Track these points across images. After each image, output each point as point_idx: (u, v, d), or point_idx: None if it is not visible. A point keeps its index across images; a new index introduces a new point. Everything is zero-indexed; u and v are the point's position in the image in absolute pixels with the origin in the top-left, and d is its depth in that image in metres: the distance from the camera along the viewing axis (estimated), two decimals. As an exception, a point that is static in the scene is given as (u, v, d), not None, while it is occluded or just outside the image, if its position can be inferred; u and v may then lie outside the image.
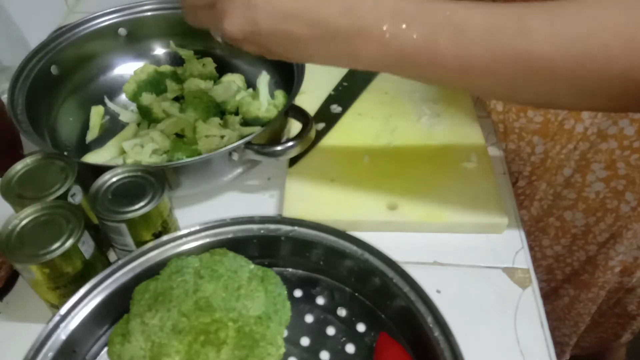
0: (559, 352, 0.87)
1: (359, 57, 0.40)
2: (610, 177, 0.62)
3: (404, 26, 0.37)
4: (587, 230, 0.69)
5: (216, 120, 0.60)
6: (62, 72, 0.65)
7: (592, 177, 0.63)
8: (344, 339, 0.45)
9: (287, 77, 0.63)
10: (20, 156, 0.49)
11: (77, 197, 0.48)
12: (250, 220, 0.46)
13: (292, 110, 0.57)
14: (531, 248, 0.66)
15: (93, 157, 0.61)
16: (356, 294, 0.46)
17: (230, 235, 0.46)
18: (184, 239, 0.45)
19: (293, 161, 0.60)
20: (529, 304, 0.50)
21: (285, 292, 0.44)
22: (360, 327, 0.45)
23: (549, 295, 0.76)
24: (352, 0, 0.38)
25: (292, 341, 0.44)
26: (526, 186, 0.65)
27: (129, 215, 0.44)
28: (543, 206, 0.68)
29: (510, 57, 0.36)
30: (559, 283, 0.75)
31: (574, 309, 0.77)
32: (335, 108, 0.67)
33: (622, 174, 0.61)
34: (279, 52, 0.42)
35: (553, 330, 0.73)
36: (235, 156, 0.53)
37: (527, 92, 0.39)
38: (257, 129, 0.60)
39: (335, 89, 0.69)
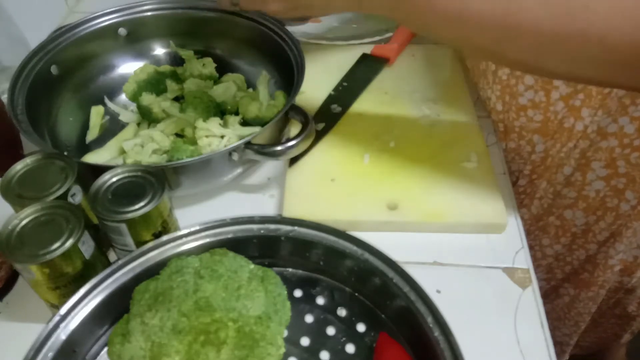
0: (559, 352, 0.86)
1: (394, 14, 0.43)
2: (610, 176, 0.62)
3: None
4: (587, 229, 0.69)
5: (216, 120, 0.60)
6: (62, 72, 0.65)
7: (592, 175, 0.63)
8: (344, 339, 0.45)
9: (287, 77, 0.63)
10: (20, 156, 0.49)
11: (77, 197, 0.48)
12: (250, 220, 0.46)
13: (292, 110, 0.57)
14: (531, 247, 0.66)
15: (93, 157, 0.61)
16: (356, 294, 0.46)
17: (230, 235, 0.46)
18: (184, 239, 0.45)
19: (293, 161, 0.60)
20: (529, 304, 0.50)
21: (285, 292, 0.44)
22: (360, 327, 0.45)
23: (549, 295, 0.76)
24: None
25: (292, 341, 0.44)
26: (527, 185, 0.65)
27: (129, 215, 0.44)
28: (543, 205, 0.67)
29: (500, 13, 0.38)
30: (559, 282, 0.75)
31: (574, 308, 0.77)
32: (335, 108, 0.67)
33: (622, 172, 0.61)
34: (302, 2, 0.45)
35: (553, 329, 0.73)
36: (235, 156, 0.53)
37: (514, 49, 0.40)
38: (257, 129, 0.60)
39: (335, 89, 0.69)
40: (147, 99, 0.65)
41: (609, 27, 0.35)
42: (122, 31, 0.70)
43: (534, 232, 0.69)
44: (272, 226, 0.46)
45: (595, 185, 0.64)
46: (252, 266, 0.44)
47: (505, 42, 0.40)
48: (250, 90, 0.67)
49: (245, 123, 0.62)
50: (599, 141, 0.60)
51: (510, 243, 0.55)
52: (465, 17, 0.40)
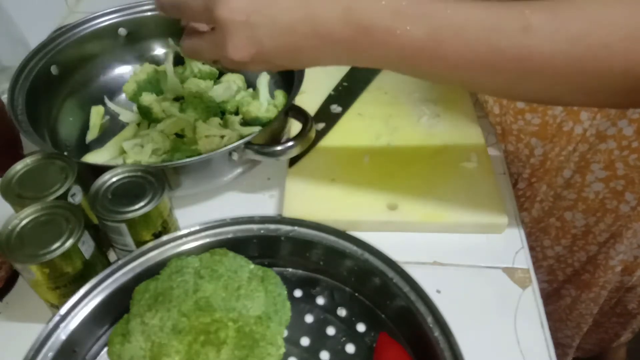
0: (561, 354, 0.86)
1: (362, 57, 0.40)
2: (609, 178, 0.62)
3: (407, 27, 0.37)
4: (587, 230, 0.69)
5: (216, 120, 0.60)
6: (62, 72, 0.65)
7: (591, 177, 0.63)
8: (344, 339, 0.45)
9: (287, 77, 0.63)
10: (20, 156, 0.49)
11: (77, 197, 0.48)
12: (250, 220, 0.46)
13: (292, 110, 0.57)
14: (532, 249, 0.66)
15: (93, 157, 0.61)
16: (356, 294, 0.46)
17: (230, 235, 0.46)
18: (184, 239, 0.45)
19: (293, 161, 0.60)
20: (529, 304, 0.50)
21: (285, 292, 0.44)
22: (360, 327, 0.45)
23: (550, 296, 0.76)
24: (351, 2, 0.38)
25: (292, 341, 0.44)
26: (526, 188, 0.65)
27: (129, 215, 0.44)
28: (544, 207, 0.67)
29: (511, 55, 0.36)
30: (560, 284, 0.75)
31: (575, 310, 0.77)
32: (335, 108, 0.67)
33: (621, 174, 0.61)
34: (285, 65, 0.42)
35: (555, 331, 0.73)
36: (235, 156, 0.53)
37: (528, 89, 0.39)
38: (257, 129, 0.60)
39: (335, 89, 0.69)
40: (147, 99, 0.65)
41: (633, 62, 0.34)
42: (122, 31, 0.70)
43: (535, 234, 0.69)
44: (272, 226, 0.46)
45: (595, 187, 0.64)
46: (252, 266, 0.44)
47: (517, 85, 0.38)
48: (250, 90, 0.67)
49: (245, 123, 0.62)
50: (597, 144, 0.60)
51: (510, 243, 0.55)
52: (467, 64, 0.38)
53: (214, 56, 0.44)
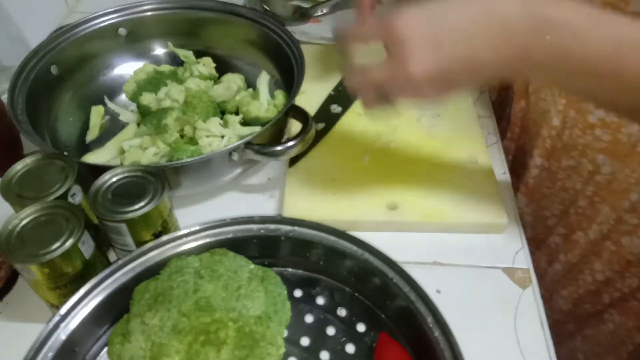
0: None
1: (538, 67, 0.40)
2: None
3: (598, 33, 0.37)
4: None
5: (216, 120, 0.60)
6: (62, 72, 0.65)
7: None
8: (344, 339, 0.45)
9: (287, 77, 0.63)
10: (20, 156, 0.49)
11: (77, 197, 0.48)
12: (250, 220, 0.46)
13: (292, 110, 0.57)
14: (581, 271, 0.64)
15: (93, 157, 0.61)
16: (356, 294, 0.46)
17: (230, 235, 0.46)
18: (184, 239, 0.45)
19: (293, 161, 0.60)
20: (529, 304, 0.50)
21: (285, 292, 0.44)
22: (360, 327, 0.45)
23: (591, 318, 0.71)
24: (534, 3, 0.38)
25: (292, 341, 0.44)
26: (587, 207, 0.61)
27: (129, 215, 0.44)
28: (602, 230, 0.62)
29: None
30: (604, 307, 0.70)
31: (617, 336, 0.72)
32: (335, 108, 0.67)
33: None
34: (462, 79, 0.41)
35: (593, 356, 0.69)
36: (235, 156, 0.53)
37: None
38: (257, 129, 0.60)
39: (335, 89, 0.69)
40: (147, 98, 0.65)
41: None
42: (122, 31, 0.70)
43: (587, 256, 0.64)
44: (272, 226, 0.46)
45: None
46: (252, 266, 0.44)
47: None
48: (250, 90, 0.67)
49: (245, 123, 0.62)
50: None
51: (510, 243, 0.55)
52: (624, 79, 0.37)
53: (388, 81, 0.42)
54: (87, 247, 0.44)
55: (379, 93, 0.44)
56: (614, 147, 0.57)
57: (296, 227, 0.46)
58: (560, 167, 0.61)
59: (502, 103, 0.78)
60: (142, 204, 0.45)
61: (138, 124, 0.66)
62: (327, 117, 0.65)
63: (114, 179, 0.47)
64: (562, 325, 0.72)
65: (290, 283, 0.47)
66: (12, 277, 0.51)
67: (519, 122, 0.68)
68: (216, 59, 0.70)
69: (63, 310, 0.40)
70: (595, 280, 0.64)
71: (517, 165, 0.71)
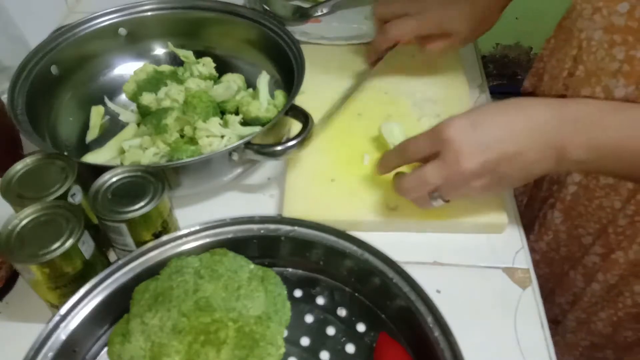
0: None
1: (568, 159, 0.46)
2: None
3: (611, 123, 0.45)
4: None
5: (216, 120, 0.60)
6: (62, 72, 0.65)
7: None
8: (344, 339, 0.45)
9: (287, 77, 0.63)
10: (20, 156, 0.49)
11: (77, 197, 0.48)
12: (250, 220, 0.46)
13: (292, 110, 0.57)
14: (621, 293, 0.64)
15: (93, 157, 0.61)
16: (356, 294, 0.46)
17: (230, 235, 0.46)
18: (184, 239, 0.45)
19: (293, 161, 0.60)
20: (529, 304, 0.50)
21: (285, 292, 0.44)
22: (360, 327, 0.45)
23: (633, 346, 0.68)
24: (561, 104, 0.47)
25: (292, 341, 0.44)
26: (627, 226, 0.60)
27: (129, 215, 0.44)
28: None
29: None
30: None
31: None
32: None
33: None
34: (507, 173, 0.47)
35: None
36: (235, 156, 0.53)
37: None
38: (257, 129, 0.60)
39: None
40: (147, 98, 0.65)
41: None
42: (122, 31, 0.70)
43: (627, 278, 0.63)
44: (272, 226, 0.46)
45: None
46: (252, 266, 0.44)
47: None
48: (250, 90, 0.67)
49: (245, 123, 0.62)
50: None
51: (510, 243, 0.55)
52: None
53: (442, 181, 0.48)
54: (87, 247, 0.44)
55: (432, 194, 0.50)
56: None
57: (296, 227, 0.46)
58: (598, 185, 0.61)
59: None
60: (142, 204, 0.45)
61: (138, 124, 0.66)
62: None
63: (114, 179, 0.47)
64: (601, 350, 0.71)
65: (290, 283, 0.47)
66: (12, 277, 0.51)
67: None
68: (216, 59, 0.70)
69: (63, 310, 0.40)
70: (636, 304, 0.63)
71: (542, 179, 0.71)
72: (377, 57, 0.71)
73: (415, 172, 0.50)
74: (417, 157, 0.51)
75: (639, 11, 0.49)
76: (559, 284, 0.73)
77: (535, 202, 0.73)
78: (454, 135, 0.46)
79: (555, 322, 0.75)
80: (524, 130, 0.46)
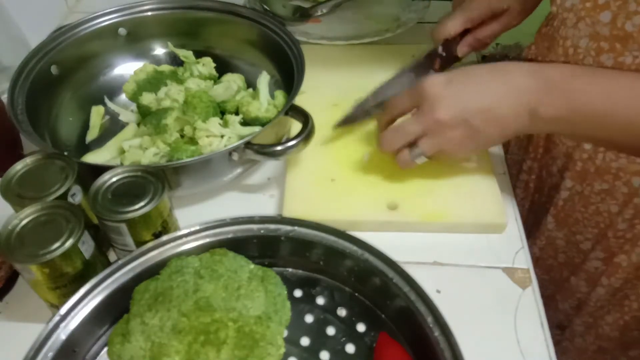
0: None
1: (541, 119, 0.48)
2: None
3: (586, 88, 0.46)
4: None
5: (216, 120, 0.60)
6: (62, 72, 0.65)
7: None
8: (344, 339, 0.45)
9: (287, 77, 0.63)
10: (20, 156, 0.49)
11: (77, 197, 0.48)
12: (250, 220, 0.46)
13: (292, 110, 0.57)
14: (626, 297, 0.64)
15: (93, 157, 0.61)
16: (356, 294, 0.46)
17: (230, 235, 0.46)
18: (184, 239, 0.45)
19: (293, 161, 0.60)
20: (529, 304, 0.50)
21: (285, 292, 0.44)
22: (360, 327, 0.45)
23: (638, 341, 0.69)
24: (537, 65, 0.49)
25: (292, 341, 0.44)
26: (627, 229, 0.61)
27: (129, 215, 0.44)
28: None
29: None
30: None
31: None
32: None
33: None
34: (484, 132, 0.50)
35: None
36: (235, 156, 0.53)
37: None
38: (257, 129, 0.60)
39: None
40: (147, 98, 0.65)
41: None
42: (122, 31, 0.70)
43: (631, 281, 0.63)
44: (272, 226, 0.46)
45: None
46: (252, 266, 0.44)
47: None
48: (250, 90, 0.67)
49: (245, 123, 0.62)
50: None
51: (510, 243, 0.55)
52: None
53: (417, 127, 0.52)
54: (87, 247, 0.44)
55: (413, 151, 0.53)
56: None
57: (296, 227, 0.46)
58: (593, 191, 0.61)
59: None
60: (142, 204, 0.45)
61: (138, 124, 0.66)
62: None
63: (114, 179, 0.47)
64: (609, 352, 0.71)
65: (290, 283, 0.47)
66: (12, 277, 0.51)
67: (542, 142, 0.68)
68: (216, 59, 0.70)
69: (63, 310, 0.40)
70: None
71: (543, 185, 0.71)
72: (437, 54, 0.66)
73: (396, 124, 0.54)
74: (401, 110, 0.55)
75: (621, 20, 0.50)
76: (559, 289, 0.73)
77: (535, 207, 0.73)
78: (431, 88, 0.50)
79: (561, 328, 0.75)
80: (500, 88, 0.49)
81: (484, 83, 0.50)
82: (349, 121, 0.63)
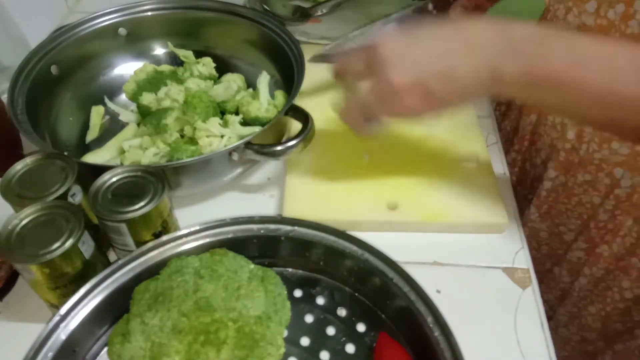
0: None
1: (508, 84, 0.43)
2: None
3: (553, 51, 0.41)
4: None
5: (216, 120, 0.60)
6: (62, 72, 0.65)
7: None
8: (344, 339, 0.45)
9: (287, 77, 0.63)
10: (20, 156, 0.49)
11: (77, 197, 0.48)
12: (250, 220, 0.46)
13: (292, 110, 0.57)
14: (609, 288, 0.64)
15: (93, 157, 0.61)
16: (356, 294, 0.46)
17: (230, 235, 0.46)
18: (184, 239, 0.45)
19: (293, 161, 0.60)
20: (529, 304, 0.50)
21: (285, 292, 0.44)
22: (360, 327, 0.45)
23: (622, 335, 0.70)
24: (501, 24, 0.43)
25: (292, 341, 0.44)
26: (608, 220, 0.61)
27: (129, 215, 0.44)
28: (625, 243, 0.62)
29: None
30: (635, 324, 0.69)
31: None
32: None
33: None
34: (442, 95, 0.45)
35: None
36: (235, 156, 0.53)
37: None
38: (257, 129, 0.60)
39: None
40: (147, 98, 0.65)
41: None
42: (122, 31, 0.70)
43: (613, 272, 0.64)
44: (272, 226, 0.46)
45: None
46: (252, 266, 0.44)
47: None
48: (250, 90, 0.67)
49: (245, 123, 0.62)
50: None
51: (510, 243, 0.55)
52: (610, 95, 0.40)
53: (373, 96, 0.46)
54: (87, 247, 0.44)
55: (366, 114, 0.48)
56: (633, 160, 0.57)
57: (296, 227, 0.46)
58: (576, 182, 0.61)
59: (503, 116, 0.78)
60: (142, 204, 0.45)
61: (138, 124, 0.66)
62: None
63: (114, 179, 0.47)
64: (592, 343, 0.71)
65: (290, 283, 0.47)
66: (12, 277, 0.51)
67: (528, 135, 0.68)
68: (216, 59, 0.71)
69: (63, 310, 0.40)
70: (624, 299, 0.64)
71: (526, 177, 0.71)
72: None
73: (353, 99, 0.49)
74: (353, 69, 0.49)
75: (604, 9, 0.49)
76: (542, 280, 0.73)
77: (517, 199, 0.74)
78: (385, 48, 0.45)
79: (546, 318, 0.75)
80: (460, 49, 0.44)
81: (443, 41, 0.45)
82: (324, 59, 0.59)
